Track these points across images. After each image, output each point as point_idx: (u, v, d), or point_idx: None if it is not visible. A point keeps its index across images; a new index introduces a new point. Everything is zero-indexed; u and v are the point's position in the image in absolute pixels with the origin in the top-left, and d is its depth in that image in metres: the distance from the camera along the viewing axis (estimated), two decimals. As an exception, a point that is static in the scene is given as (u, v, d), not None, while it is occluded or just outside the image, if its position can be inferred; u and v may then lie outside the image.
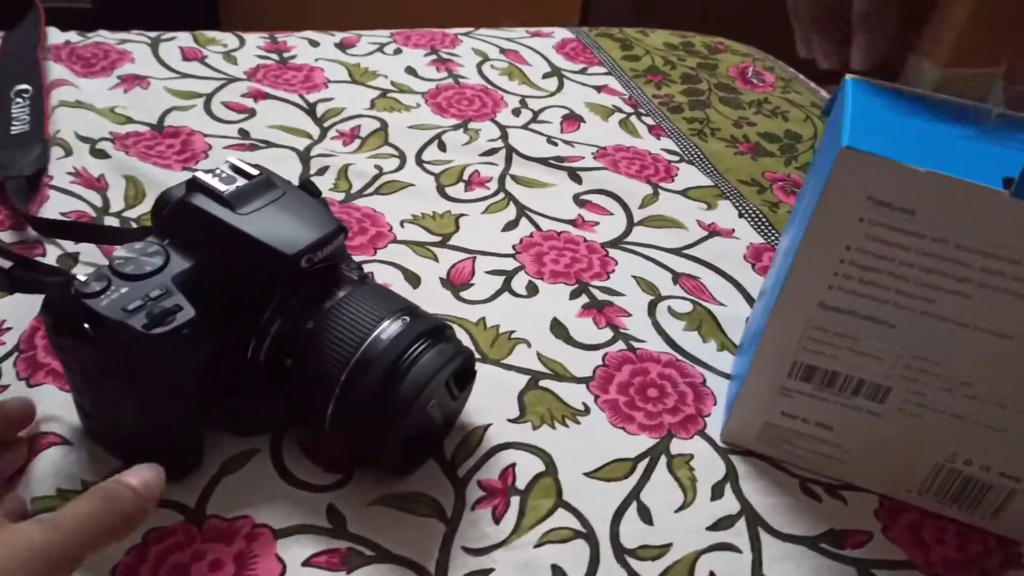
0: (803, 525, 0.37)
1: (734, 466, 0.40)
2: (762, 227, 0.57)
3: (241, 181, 0.35)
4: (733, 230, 0.56)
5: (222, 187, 0.35)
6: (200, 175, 0.35)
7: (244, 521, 0.34)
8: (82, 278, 0.32)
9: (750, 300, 0.50)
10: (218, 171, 0.36)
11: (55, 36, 0.68)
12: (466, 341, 0.45)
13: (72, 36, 0.69)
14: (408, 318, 0.35)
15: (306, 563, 0.33)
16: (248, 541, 0.34)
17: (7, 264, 0.33)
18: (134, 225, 0.50)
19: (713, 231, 0.56)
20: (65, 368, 0.34)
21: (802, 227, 0.33)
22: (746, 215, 0.58)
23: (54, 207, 0.49)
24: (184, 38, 0.71)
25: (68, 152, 0.53)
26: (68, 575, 0.27)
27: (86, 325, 0.31)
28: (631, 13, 1.59)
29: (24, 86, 0.60)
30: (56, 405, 0.37)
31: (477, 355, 0.44)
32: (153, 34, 0.71)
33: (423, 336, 0.35)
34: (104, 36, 0.70)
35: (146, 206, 0.51)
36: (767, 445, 0.40)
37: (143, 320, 0.31)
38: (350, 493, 0.36)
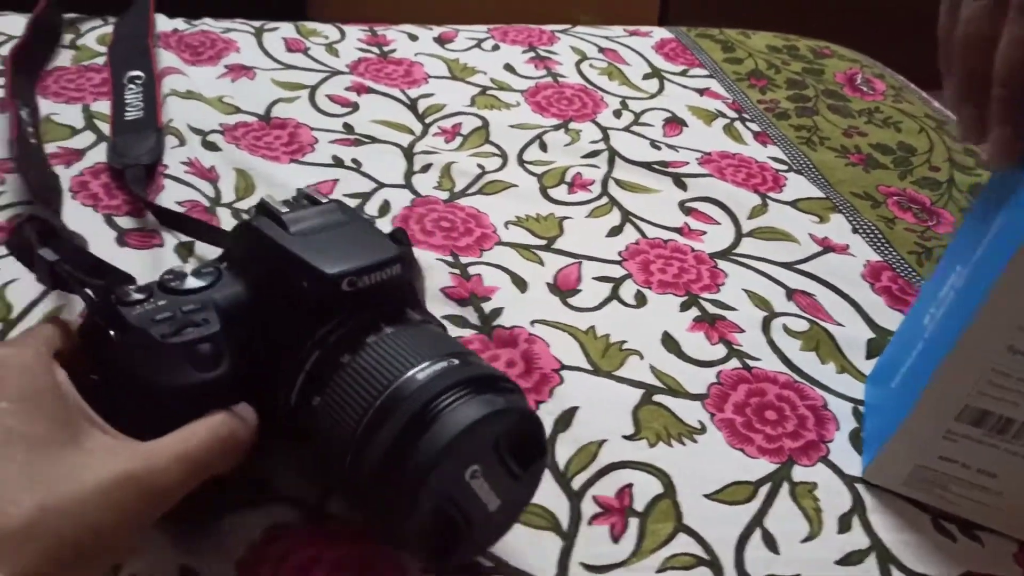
0: (937, 566, 0.35)
1: (861, 497, 0.38)
2: (878, 244, 0.55)
3: (308, 208, 0.34)
4: (847, 246, 0.54)
5: (283, 210, 0.33)
6: (266, 198, 0.34)
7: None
8: (131, 287, 0.31)
9: (870, 322, 0.48)
10: (291, 199, 0.35)
11: (163, 23, 0.69)
12: (576, 350, 0.44)
13: (179, 24, 0.70)
14: (457, 361, 0.29)
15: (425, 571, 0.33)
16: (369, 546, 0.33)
17: (53, 257, 0.30)
18: (245, 216, 0.50)
19: (827, 246, 0.54)
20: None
21: (997, 264, 0.31)
22: (860, 231, 0.56)
23: (170, 196, 0.49)
24: (286, 28, 0.72)
25: (182, 142, 0.54)
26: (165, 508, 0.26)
27: (112, 332, 0.29)
28: (712, 11, 1.55)
29: (137, 72, 0.61)
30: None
31: (588, 366, 0.43)
32: (256, 23, 0.72)
33: (469, 383, 0.28)
34: (209, 24, 0.70)
35: (255, 199, 0.51)
36: (916, 488, 0.37)
37: (163, 329, 0.29)
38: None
